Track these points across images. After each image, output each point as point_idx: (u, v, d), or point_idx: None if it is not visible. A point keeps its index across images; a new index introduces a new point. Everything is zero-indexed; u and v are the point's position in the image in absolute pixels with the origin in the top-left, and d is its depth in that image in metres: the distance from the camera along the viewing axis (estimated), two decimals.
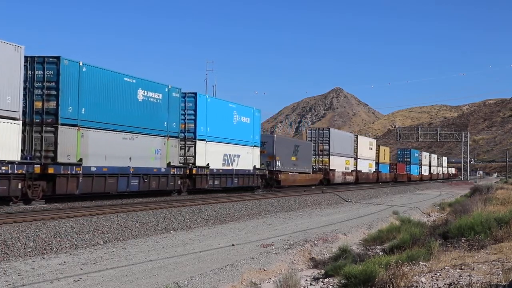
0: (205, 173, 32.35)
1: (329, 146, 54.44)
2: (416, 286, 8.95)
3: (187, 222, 20.42)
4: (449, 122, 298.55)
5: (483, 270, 9.63)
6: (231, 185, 35.82)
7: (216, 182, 33.84)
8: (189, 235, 18.03)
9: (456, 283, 8.75)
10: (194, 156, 31.84)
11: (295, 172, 46.24)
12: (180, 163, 30.60)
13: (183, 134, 31.39)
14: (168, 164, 29.02)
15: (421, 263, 11.11)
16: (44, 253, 13.75)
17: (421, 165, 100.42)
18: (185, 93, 31.70)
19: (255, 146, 39.26)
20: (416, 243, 14.07)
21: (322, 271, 13.60)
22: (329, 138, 54.82)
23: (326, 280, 12.61)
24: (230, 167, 35.50)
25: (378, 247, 17.14)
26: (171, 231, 18.75)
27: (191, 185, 31.64)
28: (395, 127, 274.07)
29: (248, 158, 37.99)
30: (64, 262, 12.80)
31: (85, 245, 15.08)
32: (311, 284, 12.62)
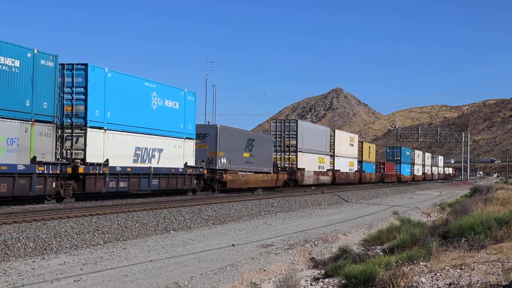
0: (101, 172, 24.21)
1: (297, 141, 46.33)
2: (416, 286, 8.95)
3: (187, 222, 20.43)
4: (449, 122, 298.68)
5: (483, 270, 9.63)
6: (148, 188, 28.00)
7: (122, 185, 25.80)
8: (189, 235, 18.03)
9: (456, 283, 8.76)
10: (84, 150, 23.76)
11: (249, 172, 38.55)
12: (62, 158, 23.16)
13: (69, 120, 23.76)
14: (33, 160, 21.12)
15: (421, 263, 11.11)
16: (44, 253, 13.75)
17: (413, 164, 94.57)
18: (72, 64, 23.94)
19: (187, 138, 31.61)
20: (416, 243, 14.08)
21: (322, 271, 13.61)
22: (296, 131, 46.47)
23: (326, 280, 12.62)
24: (146, 165, 27.57)
25: (378, 247, 17.15)
26: (171, 231, 18.76)
27: (79, 189, 23.69)
28: (395, 127, 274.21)
29: (177, 154, 30.44)
30: (64, 262, 12.81)
31: (85, 245, 15.09)
32: (311, 284, 12.63)
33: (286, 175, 45.04)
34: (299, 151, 46.70)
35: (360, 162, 66.53)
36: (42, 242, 14.21)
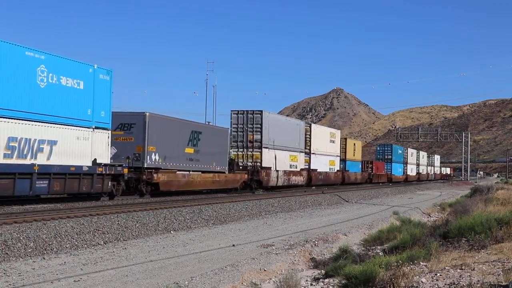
0: None
1: (262, 136, 39.56)
2: (417, 287, 8.95)
3: (188, 222, 20.44)
4: (449, 123, 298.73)
5: (483, 270, 9.63)
6: (30, 193, 21.05)
7: None
8: (190, 235, 18.04)
9: (456, 283, 8.76)
10: None
11: (193, 171, 32.05)
12: None
13: None
14: None
15: (421, 263, 11.11)
16: (45, 253, 13.76)
17: (406, 163, 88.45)
18: None
19: (98, 128, 24.63)
20: (416, 243, 14.09)
21: (323, 271, 13.62)
22: (261, 124, 39.67)
23: (326, 280, 12.63)
24: (28, 161, 20.85)
25: (379, 247, 17.16)
26: (172, 231, 18.76)
27: None
28: (395, 127, 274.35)
29: (81, 148, 23.62)
30: (65, 262, 12.81)
31: (86, 246, 15.09)
32: (311, 285, 12.64)
33: (246, 175, 38.25)
34: (264, 147, 39.92)
35: (343, 160, 60.08)
36: (43, 242, 14.21)
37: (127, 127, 28.00)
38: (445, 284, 8.88)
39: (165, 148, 29.38)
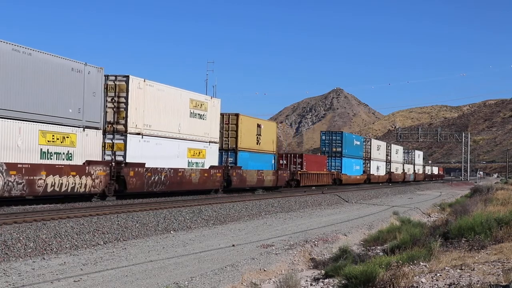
0: None
1: None
2: (417, 287, 8.95)
3: (187, 222, 20.44)
4: (449, 123, 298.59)
5: (483, 271, 9.63)
6: None
7: None
8: (189, 236, 18.04)
9: (456, 283, 8.75)
10: None
11: None
12: None
13: None
14: None
15: (421, 263, 11.11)
16: (44, 253, 13.75)
17: (369, 159, 67.90)
18: None
19: None
20: (416, 243, 14.09)
21: (322, 271, 13.62)
22: None
23: (326, 280, 12.63)
24: None
25: (379, 247, 17.16)
26: (171, 232, 18.76)
27: None
28: (395, 127, 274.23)
29: None
30: (64, 262, 12.81)
31: (85, 246, 15.09)
32: (311, 285, 12.64)
33: None
34: None
35: (232, 151, 36.45)
36: (42, 242, 14.21)
37: None
38: (445, 284, 8.88)
39: None
